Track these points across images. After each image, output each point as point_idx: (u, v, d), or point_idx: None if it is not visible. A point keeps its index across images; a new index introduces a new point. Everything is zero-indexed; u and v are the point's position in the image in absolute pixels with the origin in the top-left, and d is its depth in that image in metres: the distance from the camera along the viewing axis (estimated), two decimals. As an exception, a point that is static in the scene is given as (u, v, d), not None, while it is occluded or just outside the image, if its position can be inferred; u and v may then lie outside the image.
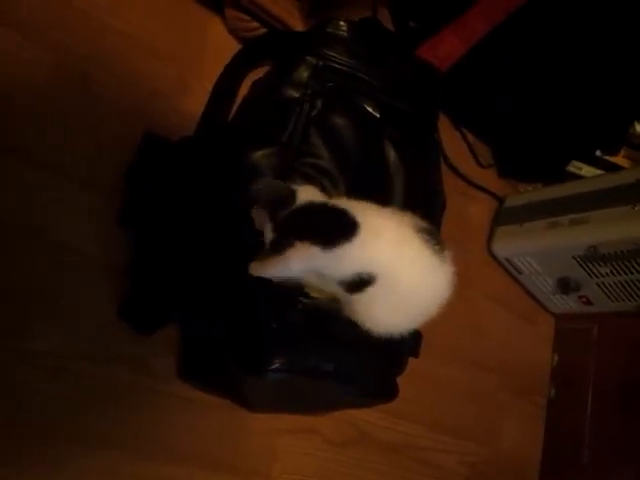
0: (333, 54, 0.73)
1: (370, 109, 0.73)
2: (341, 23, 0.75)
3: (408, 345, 0.74)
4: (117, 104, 0.79)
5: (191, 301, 0.71)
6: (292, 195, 0.57)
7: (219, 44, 0.89)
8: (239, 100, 0.83)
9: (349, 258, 0.56)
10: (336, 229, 0.56)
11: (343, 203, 0.59)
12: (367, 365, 0.69)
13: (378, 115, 0.74)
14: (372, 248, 0.57)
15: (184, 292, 0.72)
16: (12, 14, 0.73)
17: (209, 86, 0.86)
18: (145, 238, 0.75)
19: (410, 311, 0.62)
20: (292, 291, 0.64)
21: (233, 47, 0.89)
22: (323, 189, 0.70)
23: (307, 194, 0.58)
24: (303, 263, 0.57)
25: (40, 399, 0.69)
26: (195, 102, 0.85)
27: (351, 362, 0.66)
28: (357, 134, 0.72)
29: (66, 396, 0.70)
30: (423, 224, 0.60)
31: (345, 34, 0.74)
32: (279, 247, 0.57)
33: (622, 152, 1.25)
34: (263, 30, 0.87)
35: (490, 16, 1.08)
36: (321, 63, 0.72)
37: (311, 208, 0.57)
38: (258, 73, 0.85)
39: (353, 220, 0.56)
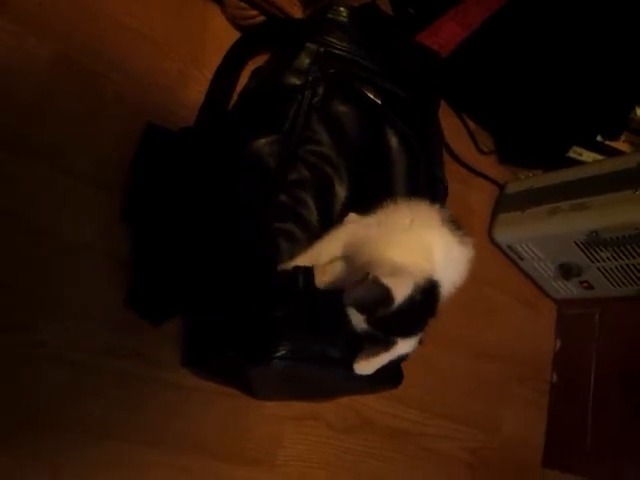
0: (334, 40, 0.72)
1: (371, 95, 0.73)
2: (341, 9, 0.74)
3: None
4: (119, 97, 0.78)
5: (195, 292, 0.72)
6: (390, 295, 0.57)
7: (219, 33, 0.88)
8: (240, 89, 0.83)
9: None
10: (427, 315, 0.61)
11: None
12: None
13: (379, 101, 0.74)
14: None
15: (188, 283, 0.72)
16: (14, 5, 0.73)
17: (210, 75, 0.86)
18: (148, 229, 0.75)
19: None
20: (296, 280, 0.65)
21: (233, 36, 0.88)
22: (326, 177, 0.70)
23: (400, 288, 0.58)
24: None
25: (44, 391, 0.69)
26: (197, 92, 0.85)
27: (356, 349, 0.66)
28: (359, 121, 0.72)
29: (70, 388, 0.71)
30: (448, 214, 0.65)
31: (345, 20, 0.74)
32: (382, 344, 0.62)
33: (623, 137, 1.25)
34: (262, 18, 0.87)
35: (489, 2, 1.08)
36: (322, 49, 0.72)
37: (408, 311, 0.58)
38: (258, 61, 0.85)
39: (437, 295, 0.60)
